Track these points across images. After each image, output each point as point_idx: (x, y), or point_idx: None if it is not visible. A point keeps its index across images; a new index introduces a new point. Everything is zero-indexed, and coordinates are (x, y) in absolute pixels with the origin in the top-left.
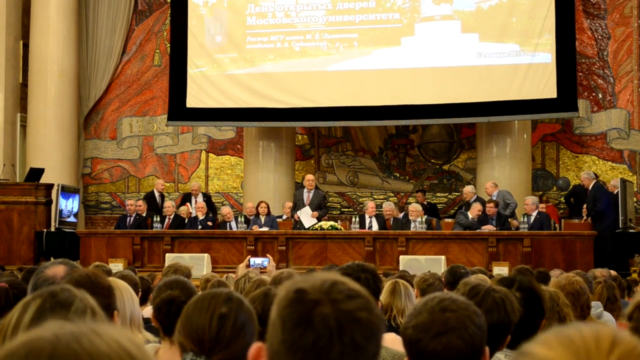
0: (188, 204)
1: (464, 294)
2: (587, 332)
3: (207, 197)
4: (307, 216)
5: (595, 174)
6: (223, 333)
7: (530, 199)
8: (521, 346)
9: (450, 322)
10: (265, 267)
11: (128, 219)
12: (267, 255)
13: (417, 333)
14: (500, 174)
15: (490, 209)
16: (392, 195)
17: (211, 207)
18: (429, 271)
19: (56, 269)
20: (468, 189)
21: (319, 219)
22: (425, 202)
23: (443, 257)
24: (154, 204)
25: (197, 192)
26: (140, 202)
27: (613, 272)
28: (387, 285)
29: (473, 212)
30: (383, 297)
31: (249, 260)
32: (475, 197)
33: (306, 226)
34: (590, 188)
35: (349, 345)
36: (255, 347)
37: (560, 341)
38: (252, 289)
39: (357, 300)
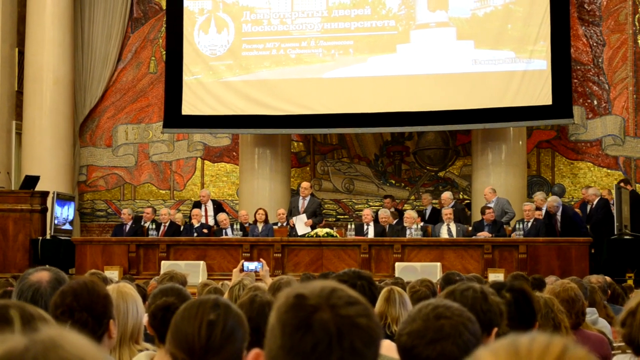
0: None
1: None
2: (537, 344)
3: (217, 204)
4: (301, 223)
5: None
6: (213, 340)
7: (530, 205)
8: None
9: (445, 329)
10: (258, 272)
11: (124, 227)
12: (261, 259)
13: (412, 340)
14: (496, 181)
15: (489, 215)
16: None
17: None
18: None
19: (40, 274)
20: (446, 195)
21: (314, 226)
22: (392, 209)
23: (439, 263)
24: (177, 231)
25: (206, 199)
26: (149, 210)
27: (608, 279)
28: (382, 292)
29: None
30: (377, 304)
31: (242, 265)
32: (453, 202)
33: (299, 233)
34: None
35: (348, 351)
36: (254, 352)
37: (507, 351)
38: (246, 294)
39: (357, 306)
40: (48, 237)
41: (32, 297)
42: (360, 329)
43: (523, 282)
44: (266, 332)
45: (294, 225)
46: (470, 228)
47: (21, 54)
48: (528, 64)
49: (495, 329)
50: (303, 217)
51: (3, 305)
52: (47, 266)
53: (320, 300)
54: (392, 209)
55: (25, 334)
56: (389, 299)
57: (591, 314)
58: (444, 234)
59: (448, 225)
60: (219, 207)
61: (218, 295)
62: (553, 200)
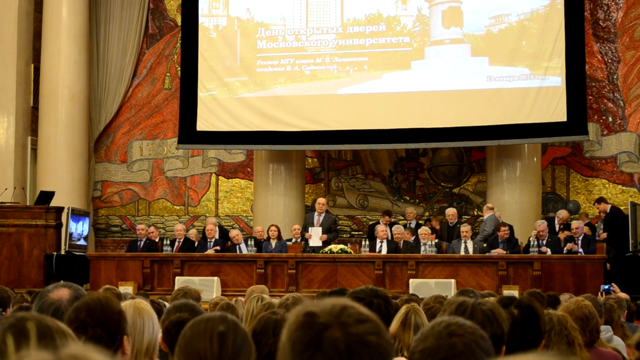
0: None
1: (451, 312)
2: None
3: (222, 232)
4: (316, 236)
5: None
6: (225, 351)
7: (543, 225)
8: None
9: (457, 347)
10: None
11: (139, 243)
12: None
13: (424, 358)
14: (510, 198)
15: (504, 232)
16: (402, 218)
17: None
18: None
19: (61, 292)
20: (451, 211)
21: (329, 242)
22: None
23: (453, 280)
24: (191, 247)
25: (212, 234)
26: (142, 227)
27: (625, 295)
28: (399, 312)
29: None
30: (393, 325)
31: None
32: (457, 220)
33: (311, 244)
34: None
35: None
36: None
37: None
38: (261, 311)
39: (367, 324)
40: (63, 252)
41: (52, 315)
42: (370, 347)
43: (532, 299)
44: (278, 350)
45: (310, 237)
46: (485, 244)
47: (37, 70)
48: (543, 81)
49: (504, 349)
50: (319, 230)
51: (20, 317)
52: (65, 282)
53: (331, 318)
54: (414, 225)
55: (43, 347)
56: (405, 323)
57: (606, 331)
58: (461, 251)
59: (465, 242)
60: (224, 236)
61: (224, 312)
62: (579, 225)
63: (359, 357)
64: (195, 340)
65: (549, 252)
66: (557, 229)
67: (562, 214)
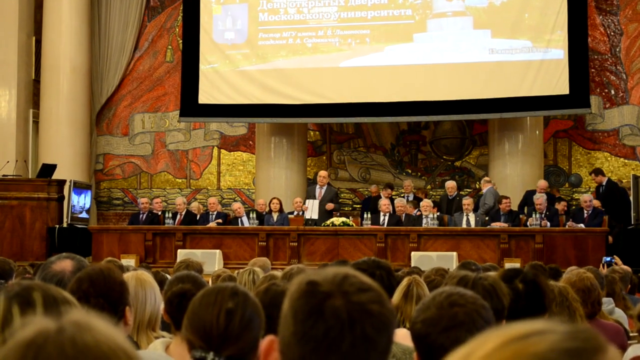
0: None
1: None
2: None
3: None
4: (313, 208)
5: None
6: (231, 328)
7: (541, 198)
8: None
9: (459, 316)
10: None
11: (141, 216)
12: None
13: (426, 327)
14: (512, 171)
15: (506, 205)
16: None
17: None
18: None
19: (63, 263)
20: (450, 184)
21: (332, 213)
22: (391, 196)
23: (455, 253)
24: (193, 219)
25: (214, 207)
26: (145, 200)
27: (627, 268)
28: (402, 283)
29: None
30: (395, 296)
31: None
32: (456, 192)
33: (306, 217)
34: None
35: (360, 337)
36: (268, 339)
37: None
38: (262, 283)
39: (369, 293)
40: (65, 225)
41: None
42: (372, 315)
43: (538, 273)
44: (279, 319)
45: (306, 209)
46: (487, 217)
47: (38, 42)
48: (545, 54)
49: (504, 322)
50: (316, 202)
51: (27, 287)
52: (68, 254)
53: (333, 287)
54: (412, 198)
55: (48, 316)
56: (407, 295)
57: (607, 303)
58: (462, 224)
59: (467, 215)
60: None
61: (236, 283)
62: (587, 197)
63: (360, 326)
64: (202, 313)
65: (505, 226)
66: None
67: (541, 183)
